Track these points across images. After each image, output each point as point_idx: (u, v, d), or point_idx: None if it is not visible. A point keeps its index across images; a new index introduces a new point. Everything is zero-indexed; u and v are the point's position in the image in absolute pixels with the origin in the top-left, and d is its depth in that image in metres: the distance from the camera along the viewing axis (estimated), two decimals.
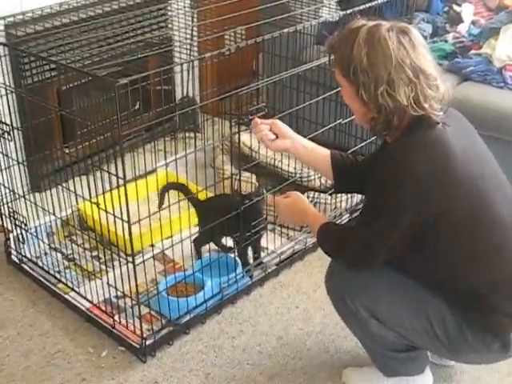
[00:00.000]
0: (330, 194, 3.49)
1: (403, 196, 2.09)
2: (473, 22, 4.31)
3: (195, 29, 3.58)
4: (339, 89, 2.31)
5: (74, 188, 2.81)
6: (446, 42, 4.19)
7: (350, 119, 3.31)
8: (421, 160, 2.08)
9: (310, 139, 2.69)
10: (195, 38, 3.56)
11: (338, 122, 3.33)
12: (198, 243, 3.18)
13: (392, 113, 2.11)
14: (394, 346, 2.43)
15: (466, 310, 2.22)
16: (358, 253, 2.25)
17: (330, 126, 3.33)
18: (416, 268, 2.26)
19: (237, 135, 2.89)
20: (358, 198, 3.62)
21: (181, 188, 3.07)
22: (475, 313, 2.22)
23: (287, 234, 3.45)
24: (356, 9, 3.19)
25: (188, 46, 3.23)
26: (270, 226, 3.39)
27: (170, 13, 3.81)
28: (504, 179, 2.30)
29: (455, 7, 4.41)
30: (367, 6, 3.26)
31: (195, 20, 3.73)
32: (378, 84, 2.08)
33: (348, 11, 3.18)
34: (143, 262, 2.66)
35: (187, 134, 4.05)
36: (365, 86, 2.10)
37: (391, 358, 2.48)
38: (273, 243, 3.34)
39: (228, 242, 3.28)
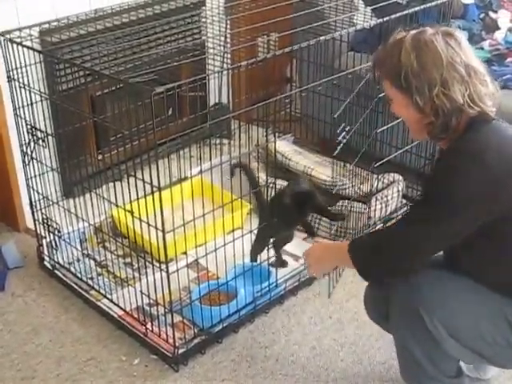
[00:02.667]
0: (365, 203, 3.45)
1: (469, 184, 2.02)
2: (509, 29, 4.26)
3: (228, 36, 3.57)
4: (379, 96, 2.28)
5: (109, 194, 2.81)
6: (482, 49, 4.14)
7: (385, 127, 3.27)
8: (487, 149, 2.04)
9: (343, 146, 2.68)
10: (228, 45, 3.55)
11: (374, 131, 3.29)
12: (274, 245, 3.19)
13: (450, 114, 2.08)
14: (449, 371, 2.33)
15: None
16: (403, 252, 2.16)
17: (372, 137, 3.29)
18: (494, 276, 2.18)
19: (271, 142, 2.87)
20: (392, 207, 3.59)
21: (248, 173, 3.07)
22: None
23: None
24: (392, 16, 3.15)
25: (221, 53, 3.22)
26: (303, 235, 3.37)
27: (203, 19, 3.80)
28: None
29: (491, 14, 4.36)
30: (403, 13, 3.21)
31: (228, 27, 3.72)
32: (432, 86, 2.06)
33: (384, 19, 3.14)
34: (177, 270, 2.65)
35: (219, 141, 4.03)
36: (419, 91, 2.08)
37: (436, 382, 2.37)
38: None
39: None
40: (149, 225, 2.54)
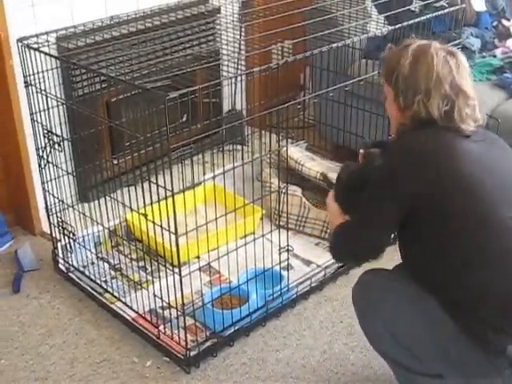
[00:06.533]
0: None
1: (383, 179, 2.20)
2: None
3: (243, 43, 3.60)
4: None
5: (123, 198, 2.84)
6: (495, 56, 4.16)
7: None
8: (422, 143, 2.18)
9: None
10: (243, 52, 3.58)
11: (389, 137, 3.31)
12: None
13: (422, 121, 2.19)
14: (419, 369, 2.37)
15: (476, 332, 2.15)
16: (358, 238, 2.31)
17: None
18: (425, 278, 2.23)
19: (284, 148, 2.89)
20: None
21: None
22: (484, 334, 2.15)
23: None
24: (405, 23, 3.18)
25: (236, 60, 3.25)
26: (315, 240, 3.41)
27: (218, 27, 3.84)
28: None
29: (504, 22, 4.38)
30: (416, 20, 3.24)
31: (243, 34, 3.75)
32: (416, 93, 2.19)
33: (397, 26, 3.17)
34: (189, 274, 2.68)
35: (233, 147, 4.06)
36: (404, 94, 2.22)
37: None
38: (318, 258, 3.36)
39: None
40: (162, 228, 2.57)
